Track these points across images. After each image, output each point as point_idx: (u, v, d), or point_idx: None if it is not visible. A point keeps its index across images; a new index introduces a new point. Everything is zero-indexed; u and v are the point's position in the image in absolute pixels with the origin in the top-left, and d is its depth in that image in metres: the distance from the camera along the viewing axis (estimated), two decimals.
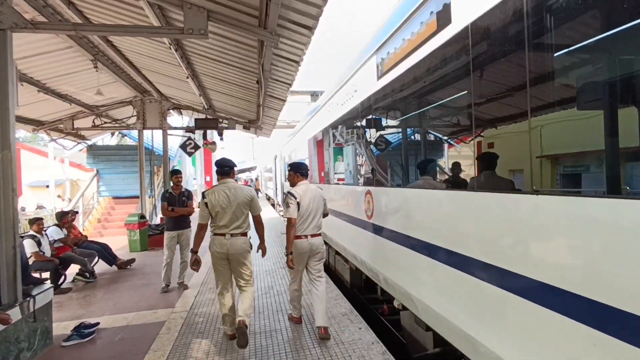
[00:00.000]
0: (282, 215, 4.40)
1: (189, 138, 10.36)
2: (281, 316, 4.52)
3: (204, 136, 12.19)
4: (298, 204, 3.82)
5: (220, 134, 10.31)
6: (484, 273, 2.26)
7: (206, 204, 3.67)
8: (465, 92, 2.54)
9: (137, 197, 11.99)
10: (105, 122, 10.32)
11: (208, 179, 27.41)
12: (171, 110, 11.39)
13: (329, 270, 7.23)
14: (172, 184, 5.90)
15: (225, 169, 3.88)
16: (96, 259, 7.30)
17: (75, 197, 13.62)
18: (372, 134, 4.35)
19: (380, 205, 3.91)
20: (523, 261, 1.97)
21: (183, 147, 10.37)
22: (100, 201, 14.31)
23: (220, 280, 3.82)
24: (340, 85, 5.29)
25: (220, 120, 10.55)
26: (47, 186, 20.08)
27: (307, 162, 10.79)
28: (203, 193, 3.80)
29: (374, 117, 4.06)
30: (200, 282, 6.26)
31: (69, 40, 6.16)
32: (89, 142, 13.18)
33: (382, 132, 4.15)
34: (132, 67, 7.69)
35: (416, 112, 3.36)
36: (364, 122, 4.50)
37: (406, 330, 3.71)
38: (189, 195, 6.04)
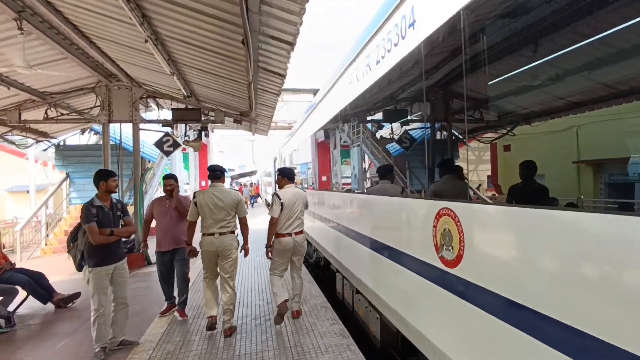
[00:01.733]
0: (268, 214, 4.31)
1: (167, 134, 8.34)
2: None
3: (199, 135, 10.28)
4: (282, 204, 4.24)
5: (205, 129, 8.29)
6: None
7: (195, 203, 4.07)
8: None
9: None
10: (63, 114, 8.32)
11: (203, 183, 25.71)
12: (150, 104, 9.42)
13: (346, 311, 5.19)
14: (98, 193, 3.87)
15: (217, 173, 4.25)
16: (20, 295, 5.26)
17: (39, 204, 11.58)
18: (454, 102, 2.29)
19: (485, 244, 1.86)
20: None
21: (159, 144, 8.37)
22: (71, 210, 12.26)
23: (208, 273, 4.22)
24: (375, 29, 3.23)
25: (205, 112, 8.55)
26: (28, 191, 18.23)
27: (311, 165, 8.83)
28: (194, 193, 4.23)
29: (469, 56, 2.00)
30: (158, 337, 4.20)
31: None
32: (54, 141, 11.17)
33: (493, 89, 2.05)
34: (79, 34, 5.69)
35: None
36: (435, 77, 2.44)
37: None
38: (123, 208, 4.02)
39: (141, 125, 8.64)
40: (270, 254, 4.40)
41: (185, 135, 8.40)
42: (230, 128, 24.95)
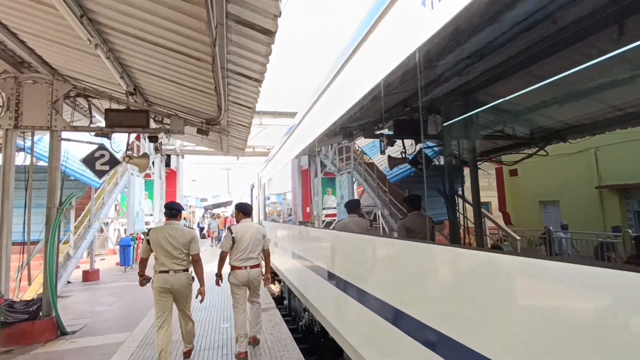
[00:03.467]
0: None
1: (101, 146, 5.94)
2: None
3: (165, 162, 7.87)
4: (233, 239, 4.57)
5: (155, 140, 5.94)
6: None
7: (148, 241, 4.11)
8: None
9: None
10: None
11: None
12: (93, 107, 7.02)
13: None
14: None
15: (173, 211, 4.34)
16: None
17: None
18: None
19: None
20: None
21: (89, 161, 5.92)
22: None
23: (161, 314, 4.08)
24: None
25: (158, 118, 6.25)
26: None
27: (293, 194, 6.68)
28: (148, 231, 4.31)
29: None
30: None
31: None
32: None
33: None
34: None
35: None
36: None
37: None
38: None
39: (82, 137, 6.25)
40: (220, 282, 4.69)
41: (128, 149, 5.99)
42: (202, 153, 22.38)
